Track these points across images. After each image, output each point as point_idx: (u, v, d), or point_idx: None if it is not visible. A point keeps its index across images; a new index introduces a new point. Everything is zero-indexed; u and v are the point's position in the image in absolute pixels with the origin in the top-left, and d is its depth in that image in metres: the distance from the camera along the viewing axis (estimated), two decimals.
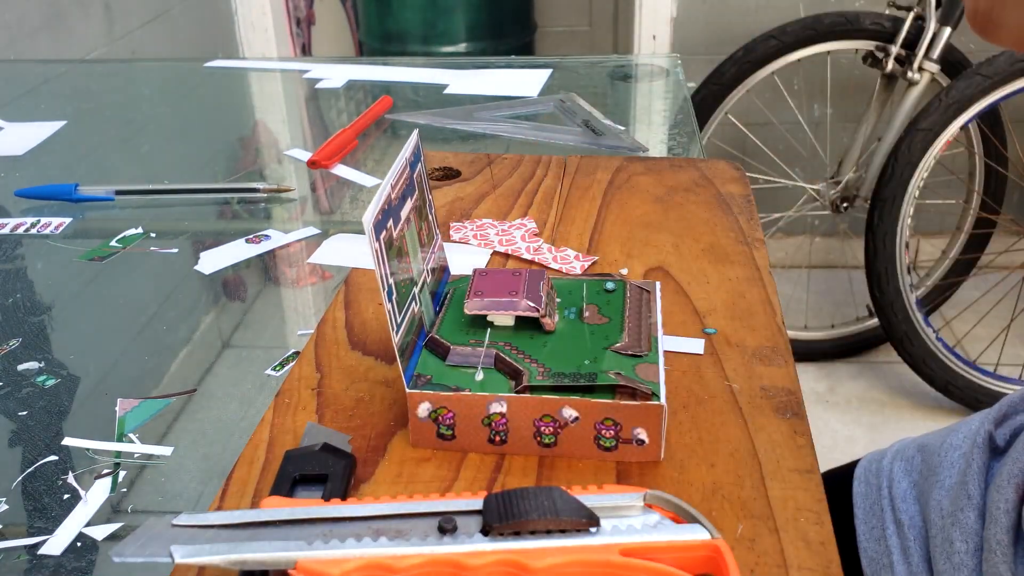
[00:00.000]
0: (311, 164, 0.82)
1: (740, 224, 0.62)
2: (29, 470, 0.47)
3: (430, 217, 0.47)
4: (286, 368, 0.54)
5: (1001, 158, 1.91)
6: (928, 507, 0.56)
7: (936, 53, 1.77)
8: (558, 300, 0.47)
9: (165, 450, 0.48)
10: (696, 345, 0.48)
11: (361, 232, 0.69)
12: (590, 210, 0.64)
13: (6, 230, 0.72)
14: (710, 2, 2.10)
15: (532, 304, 0.44)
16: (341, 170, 0.81)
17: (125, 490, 0.45)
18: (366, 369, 0.48)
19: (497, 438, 0.41)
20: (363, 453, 0.42)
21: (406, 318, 0.42)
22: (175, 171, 0.85)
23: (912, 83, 1.80)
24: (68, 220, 0.73)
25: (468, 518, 0.33)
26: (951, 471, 0.56)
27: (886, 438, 1.81)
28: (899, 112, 1.83)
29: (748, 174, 0.71)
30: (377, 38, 2.56)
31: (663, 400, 0.40)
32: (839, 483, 0.64)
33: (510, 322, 0.44)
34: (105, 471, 0.46)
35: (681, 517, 0.33)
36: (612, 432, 0.40)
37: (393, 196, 0.41)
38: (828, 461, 0.66)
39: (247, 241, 0.69)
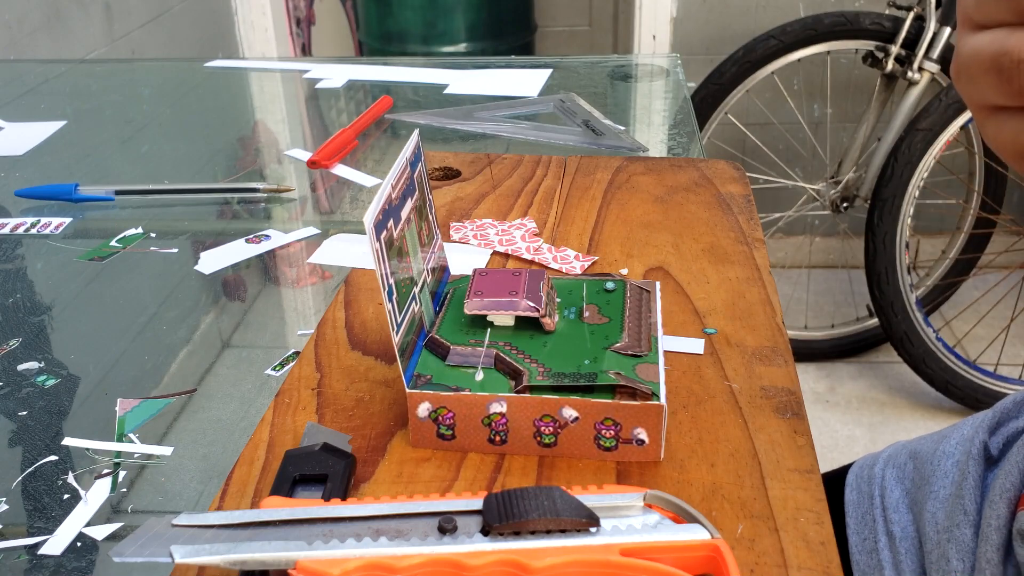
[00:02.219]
0: (311, 164, 0.82)
1: (740, 224, 0.62)
2: (29, 470, 0.47)
3: (430, 217, 0.47)
4: (286, 368, 0.54)
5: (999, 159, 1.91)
6: (922, 519, 0.55)
7: (936, 53, 1.77)
8: (558, 300, 0.47)
9: (165, 450, 0.48)
10: (696, 345, 0.48)
11: (361, 232, 0.69)
12: (590, 210, 0.64)
13: (6, 230, 0.72)
14: (710, 2, 2.10)
15: (532, 304, 0.44)
16: (341, 170, 0.81)
17: (125, 490, 0.45)
18: (366, 369, 0.48)
19: (497, 438, 0.41)
20: (363, 453, 0.42)
21: (406, 318, 0.42)
22: (175, 171, 0.85)
23: (912, 83, 1.80)
24: (68, 220, 0.73)
25: (468, 518, 0.33)
26: (944, 481, 0.54)
27: (886, 438, 1.82)
28: (899, 112, 1.83)
29: (748, 174, 0.71)
30: (377, 38, 2.56)
31: (663, 400, 0.40)
32: (831, 488, 0.62)
33: (510, 322, 0.44)
34: (105, 471, 0.46)
35: (681, 517, 0.33)
36: (612, 432, 0.40)
37: (394, 196, 0.41)
38: (828, 461, 0.66)
39: (247, 241, 0.69)
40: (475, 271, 0.46)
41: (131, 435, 0.49)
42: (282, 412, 0.45)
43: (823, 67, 2.02)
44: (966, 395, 1.83)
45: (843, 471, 0.65)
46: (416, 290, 0.43)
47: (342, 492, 0.38)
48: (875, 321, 1.94)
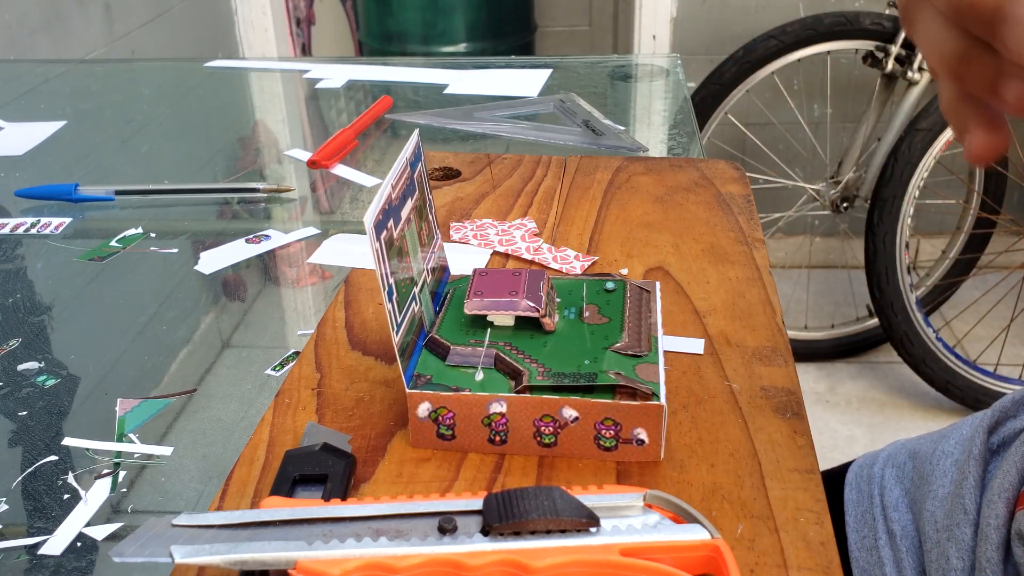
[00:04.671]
0: (311, 164, 0.82)
1: (740, 224, 0.62)
2: (29, 470, 0.47)
3: (430, 217, 0.47)
4: (286, 368, 0.54)
5: (1001, 158, 1.91)
6: (922, 518, 0.55)
7: None
8: (558, 300, 0.47)
9: (165, 450, 0.48)
10: (696, 345, 0.48)
11: (361, 232, 0.69)
12: (590, 210, 0.64)
13: (6, 230, 0.72)
14: (710, 2, 2.10)
15: (532, 304, 0.44)
16: (341, 170, 0.81)
17: (125, 490, 0.45)
18: (366, 369, 0.48)
19: (497, 438, 0.41)
20: (363, 453, 0.42)
21: (406, 318, 0.42)
22: (175, 171, 0.85)
23: (912, 83, 1.80)
24: (68, 220, 0.73)
25: (468, 518, 0.33)
26: (943, 480, 0.54)
27: (886, 438, 1.82)
28: (899, 112, 1.83)
29: (748, 174, 0.71)
30: (377, 38, 2.56)
31: (663, 400, 0.40)
32: (831, 486, 0.63)
33: (510, 322, 0.44)
34: (105, 471, 0.46)
35: (681, 517, 0.33)
36: (612, 432, 0.40)
37: (394, 196, 0.41)
38: (828, 461, 0.66)
39: (247, 241, 0.69)
40: (475, 271, 0.46)
41: (131, 435, 0.49)
42: (282, 412, 0.45)
43: (823, 67, 2.02)
44: (966, 395, 1.83)
45: (843, 469, 0.65)
46: (416, 290, 0.43)
47: (342, 492, 0.38)
48: (875, 321, 1.94)
